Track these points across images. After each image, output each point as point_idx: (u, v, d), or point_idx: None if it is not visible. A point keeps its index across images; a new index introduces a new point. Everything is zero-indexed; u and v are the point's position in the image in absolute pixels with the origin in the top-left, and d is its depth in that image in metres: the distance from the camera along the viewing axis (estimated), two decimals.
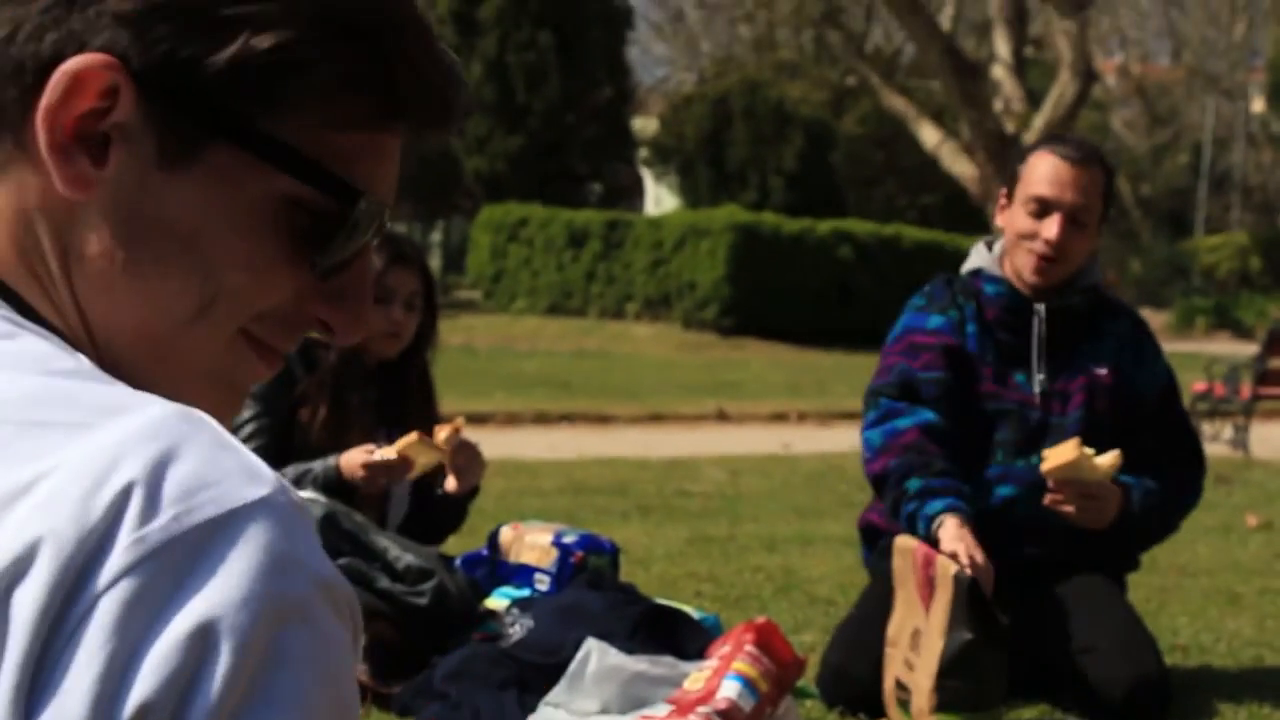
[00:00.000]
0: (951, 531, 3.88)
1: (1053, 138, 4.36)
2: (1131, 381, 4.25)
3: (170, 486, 0.84)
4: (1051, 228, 4.16)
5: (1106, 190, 4.24)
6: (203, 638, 0.81)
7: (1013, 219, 4.24)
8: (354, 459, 4.11)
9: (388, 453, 4.12)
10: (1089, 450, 3.99)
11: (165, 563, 0.82)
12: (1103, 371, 4.23)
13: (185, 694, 0.80)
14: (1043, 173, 4.18)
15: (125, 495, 0.83)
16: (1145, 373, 4.27)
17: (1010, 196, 4.25)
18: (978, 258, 4.33)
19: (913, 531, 3.98)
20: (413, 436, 4.12)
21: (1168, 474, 4.20)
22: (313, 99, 0.99)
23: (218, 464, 0.86)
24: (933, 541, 3.91)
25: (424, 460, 4.17)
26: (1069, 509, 3.99)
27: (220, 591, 0.82)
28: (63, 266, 0.98)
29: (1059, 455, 3.98)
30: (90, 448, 0.85)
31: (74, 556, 0.81)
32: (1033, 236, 4.18)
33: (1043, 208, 4.16)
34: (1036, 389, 4.21)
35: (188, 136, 0.97)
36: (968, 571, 3.73)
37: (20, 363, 0.92)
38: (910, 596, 3.91)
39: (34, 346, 0.93)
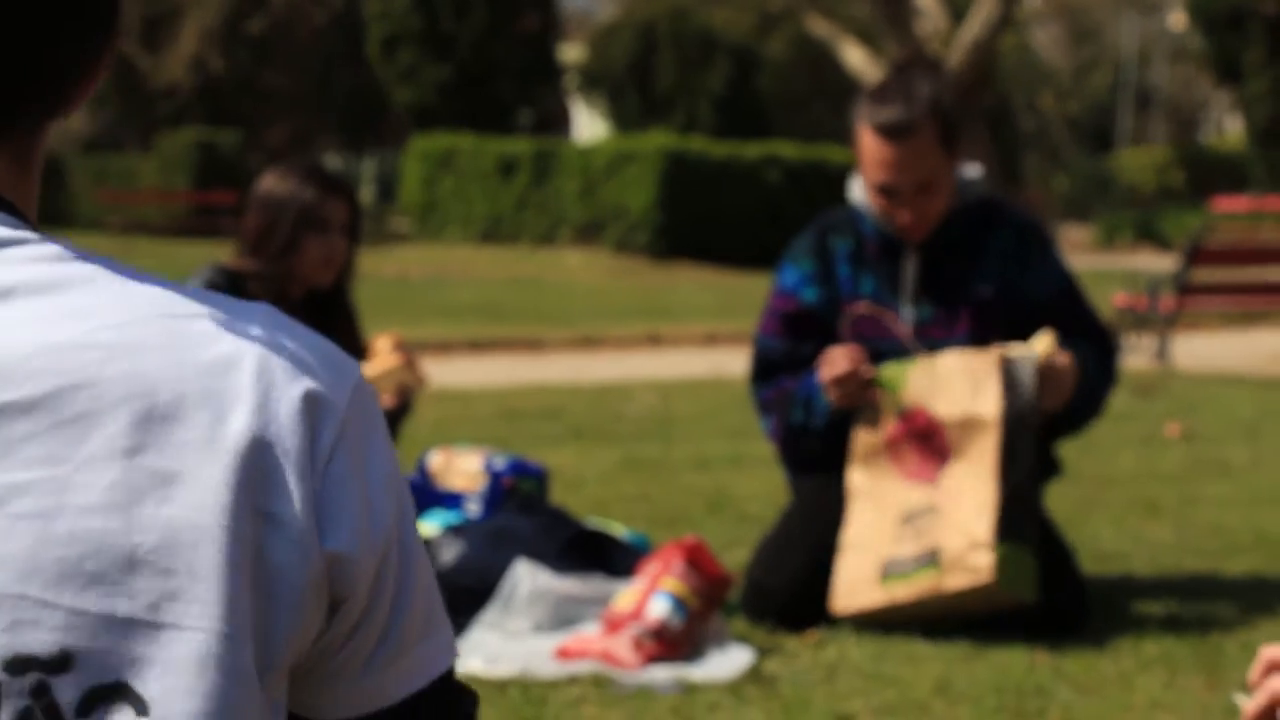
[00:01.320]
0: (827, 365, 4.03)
1: (872, 96, 4.16)
2: (1019, 290, 4.19)
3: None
4: (904, 213, 4.11)
5: (944, 132, 4.11)
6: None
7: (867, 192, 4.19)
8: None
9: (371, 368, 4.11)
10: (1015, 344, 4.01)
11: None
12: (986, 289, 4.19)
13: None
14: (873, 156, 4.06)
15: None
16: (1033, 278, 4.21)
17: (859, 158, 4.18)
18: (855, 190, 4.26)
19: (816, 423, 4.07)
20: (394, 361, 4.13)
21: (1092, 367, 4.19)
22: None
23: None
24: (824, 406, 4.05)
25: (399, 381, 4.18)
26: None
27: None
28: None
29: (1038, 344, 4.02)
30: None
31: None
32: (890, 216, 4.15)
33: (887, 192, 4.11)
34: (910, 324, 4.19)
35: None
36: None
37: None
38: (891, 490, 3.96)
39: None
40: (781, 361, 4.23)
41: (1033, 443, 3.96)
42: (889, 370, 4.01)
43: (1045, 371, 3.97)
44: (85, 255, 1.05)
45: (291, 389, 1.03)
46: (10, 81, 1.04)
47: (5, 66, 1.03)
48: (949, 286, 4.18)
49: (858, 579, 3.98)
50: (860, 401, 4.01)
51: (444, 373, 10.67)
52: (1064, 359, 3.98)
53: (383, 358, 4.19)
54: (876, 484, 4.01)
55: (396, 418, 4.20)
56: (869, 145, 4.08)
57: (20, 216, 1.06)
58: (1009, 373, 3.94)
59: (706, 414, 8.74)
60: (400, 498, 1.08)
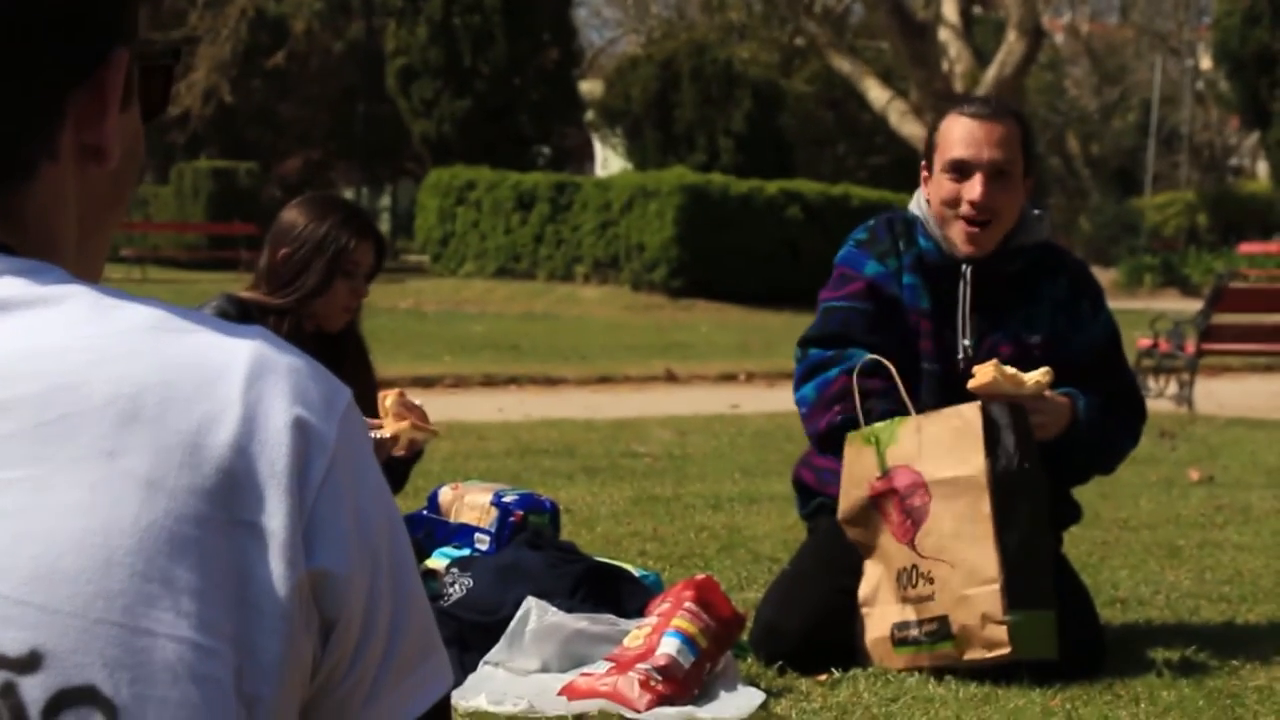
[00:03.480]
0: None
1: (960, 98, 4.35)
2: (1066, 346, 4.21)
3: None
4: (975, 188, 4.12)
5: (1025, 143, 4.19)
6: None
7: (937, 188, 4.19)
8: None
9: (384, 431, 4.07)
10: (1010, 369, 4.00)
11: None
12: (1035, 340, 4.19)
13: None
14: (957, 135, 4.15)
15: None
16: (1082, 336, 4.24)
17: (930, 167, 4.23)
18: (916, 207, 4.30)
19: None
20: (404, 424, 4.10)
21: (1111, 418, 4.19)
22: None
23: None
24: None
25: (410, 438, 4.15)
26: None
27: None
28: None
29: (980, 375, 4.00)
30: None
31: None
32: (957, 202, 4.15)
33: (962, 170, 4.12)
34: (960, 353, 4.19)
35: None
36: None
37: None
38: (886, 545, 3.93)
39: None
40: (857, 334, 4.16)
41: (1041, 490, 3.92)
42: (880, 428, 4.00)
43: (1036, 404, 3.97)
44: (79, 279, 1.06)
45: (281, 406, 1.03)
46: None
47: None
48: (998, 322, 4.18)
49: (877, 638, 3.98)
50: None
51: (457, 407, 10.67)
52: (1050, 400, 4.00)
53: (389, 423, 4.14)
54: (873, 539, 3.99)
55: (406, 465, 4.20)
56: (956, 129, 4.15)
57: (11, 251, 1.07)
58: (993, 425, 3.88)
59: (721, 452, 8.74)
60: (390, 516, 1.08)
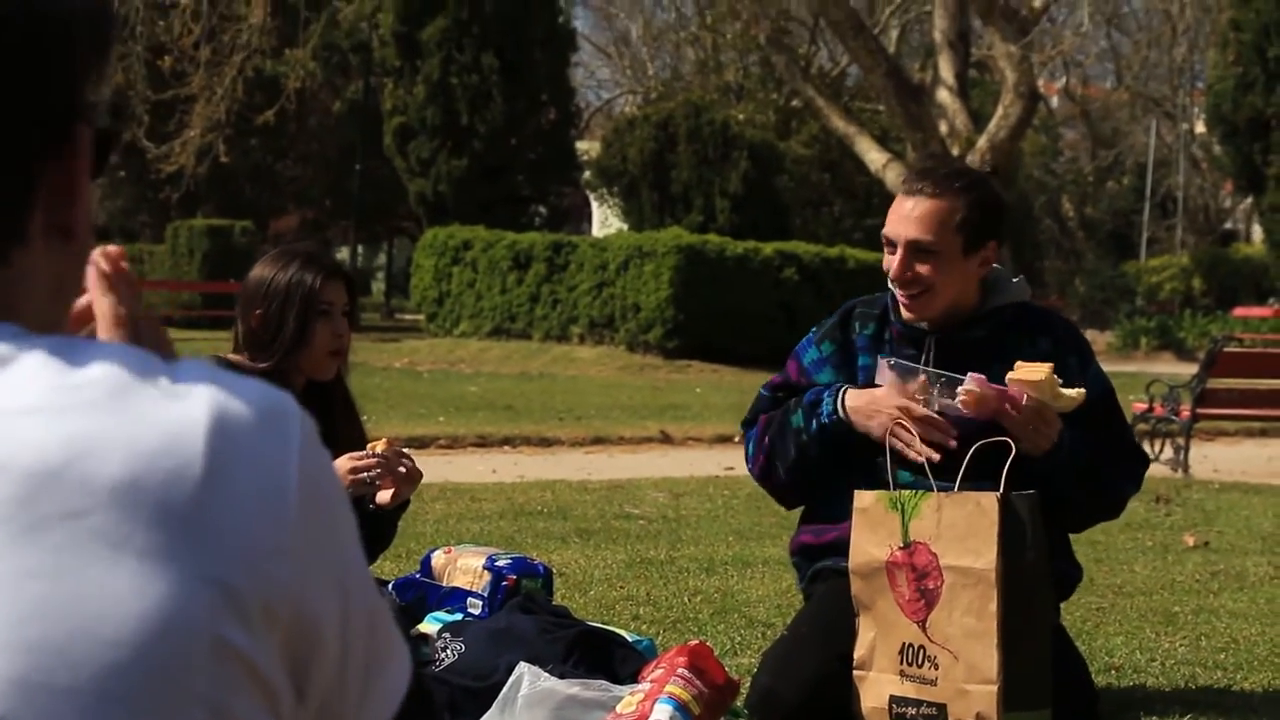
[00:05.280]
0: (862, 396, 4.07)
1: (914, 172, 4.32)
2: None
3: None
4: (892, 262, 4.17)
5: (970, 213, 4.15)
6: None
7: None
8: (340, 465, 3.91)
9: (371, 462, 3.98)
10: (1058, 379, 3.97)
11: None
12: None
13: None
14: (892, 209, 4.22)
15: None
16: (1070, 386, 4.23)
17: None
18: (890, 282, 4.31)
19: (819, 431, 4.05)
20: (381, 442, 4.05)
21: (1106, 457, 4.17)
22: None
23: None
24: (842, 424, 4.04)
25: (396, 488, 4.08)
26: (1014, 415, 3.95)
27: None
28: None
29: (1028, 372, 3.96)
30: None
31: None
32: (889, 273, 4.20)
33: (890, 243, 4.19)
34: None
35: None
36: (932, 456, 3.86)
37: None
38: (888, 612, 3.91)
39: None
40: (775, 407, 4.27)
41: (1049, 583, 3.91)
42: (907, 497, 3.97)
43: (1045, 415, 3.94)
44: (38, 336, 1.05)
45: (243, 454, 1.02)
46: None
47: None
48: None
49: (875, 708, 3.95)
50: (897, 439, 3.99)
51: (451, 469, 10.65)
52: (1055, 418, 3.97)
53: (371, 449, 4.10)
54: (875, 600, 3.96)
55: (393, 515, 4.17)
56: (895, 200, 4.18)
57: None
58: (1010, 518, 3.86)
59: (715, 515, 8.72)
60: (352, 547, 1.08)
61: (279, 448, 1.03)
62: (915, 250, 4.10)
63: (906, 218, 4.14)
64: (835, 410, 4.09)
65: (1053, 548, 4.03)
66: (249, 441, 1.02)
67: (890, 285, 4.21)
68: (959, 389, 3.92)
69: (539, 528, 7.92)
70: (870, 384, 4.16)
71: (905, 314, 4.16)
